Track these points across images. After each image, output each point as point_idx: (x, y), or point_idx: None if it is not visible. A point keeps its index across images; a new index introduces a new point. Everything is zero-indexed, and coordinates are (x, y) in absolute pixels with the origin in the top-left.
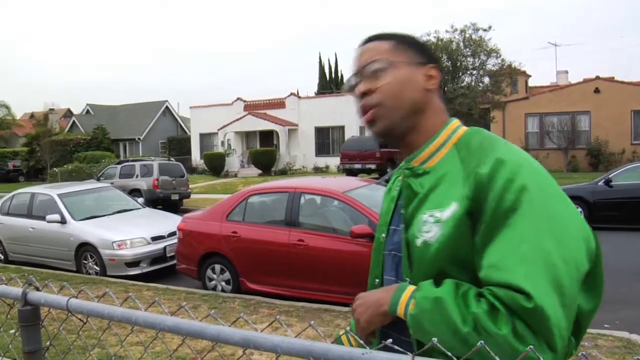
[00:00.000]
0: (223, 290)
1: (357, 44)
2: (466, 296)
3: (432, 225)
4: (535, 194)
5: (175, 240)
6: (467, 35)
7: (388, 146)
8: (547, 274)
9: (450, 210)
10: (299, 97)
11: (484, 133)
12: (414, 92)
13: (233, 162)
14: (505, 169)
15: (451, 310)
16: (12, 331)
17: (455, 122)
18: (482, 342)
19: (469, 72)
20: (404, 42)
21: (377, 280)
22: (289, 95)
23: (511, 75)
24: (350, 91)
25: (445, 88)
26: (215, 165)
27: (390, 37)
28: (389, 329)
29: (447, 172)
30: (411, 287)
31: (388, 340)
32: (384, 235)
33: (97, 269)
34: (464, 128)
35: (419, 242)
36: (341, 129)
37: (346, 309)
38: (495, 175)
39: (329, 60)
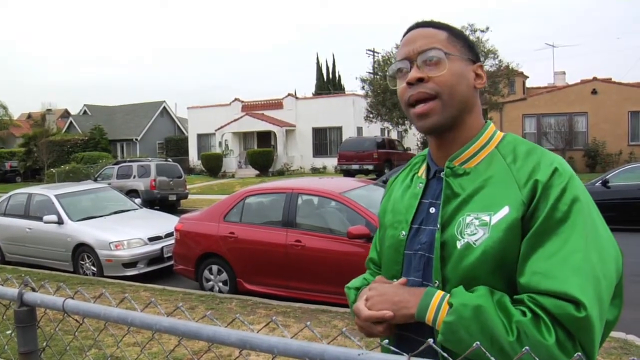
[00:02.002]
0: (220, 291)
1: (407, 27)
2: (504, 304)
3: (478, 228)
4: (584, 207)
5: (173, 241)
6: None
7: (385, 147)
8: (594, 286)
9: (501, 214)
10: (297, 97)
11: (524, 140)
12: (466, 89)
13: (230, 163)
14: (560, 178)
15: (493, 319)
16: (8, 332)
17: (493, 125)
18: (478, 343)
19: None
20: (458, 36)
21: (396, 280)
22: (286, 96)
23: (509, 76)
24: (395, 74)
25: None
26: (213, 165)
27: (444, 28)
28: (405, 330)
29: (492, 176)
30: (440, 293)
31: (384, 342)
32: (404, 232)
33: (94, 269)
34: (501, 132)
35: (459, 244)
36: (339, 129)
37: (343, 309)
38: (553, 184)
39: (326, 61)
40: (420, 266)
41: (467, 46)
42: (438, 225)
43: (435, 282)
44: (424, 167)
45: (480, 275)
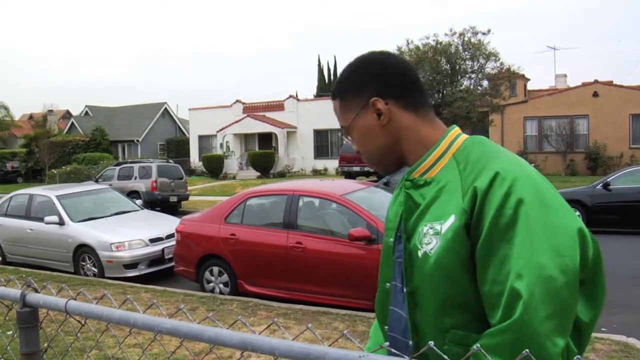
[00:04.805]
0: (221, 293)
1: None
2: None
3: (432, 237)
4: (531, 207)
5: (174, 242)
6: (466, 39)
7: None
8: (541, 288)
9: (449, 222)
10: (298, 99)
11: (485, 144)
12: (376, 140)
13: (231, 164)
14: (502, 183)
15: None
16: (10, 333)
17: (455, 130)
18: (478, 345)
19: (467, 76)
20: (345, 90)
21: (388, 284)
22: (288, 98)
23: (510, 78)
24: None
25: (444, 91)
26: (214, 167)
27: (335, 93)
28: (394, 332)
29: (446, 184)
30: None
31: (385, 344)
32: (392, 239)
33: (95, 270)
34: (464, 137)
35: (420, 253)
36: (340, 131)
37: (344, 311)
38: (493, 190)
39: (327, 63)
40: (400, 272)
41: (357, 86)
42: (404, 236)
43: (409, 289)
44: None
45: (438, 283)
